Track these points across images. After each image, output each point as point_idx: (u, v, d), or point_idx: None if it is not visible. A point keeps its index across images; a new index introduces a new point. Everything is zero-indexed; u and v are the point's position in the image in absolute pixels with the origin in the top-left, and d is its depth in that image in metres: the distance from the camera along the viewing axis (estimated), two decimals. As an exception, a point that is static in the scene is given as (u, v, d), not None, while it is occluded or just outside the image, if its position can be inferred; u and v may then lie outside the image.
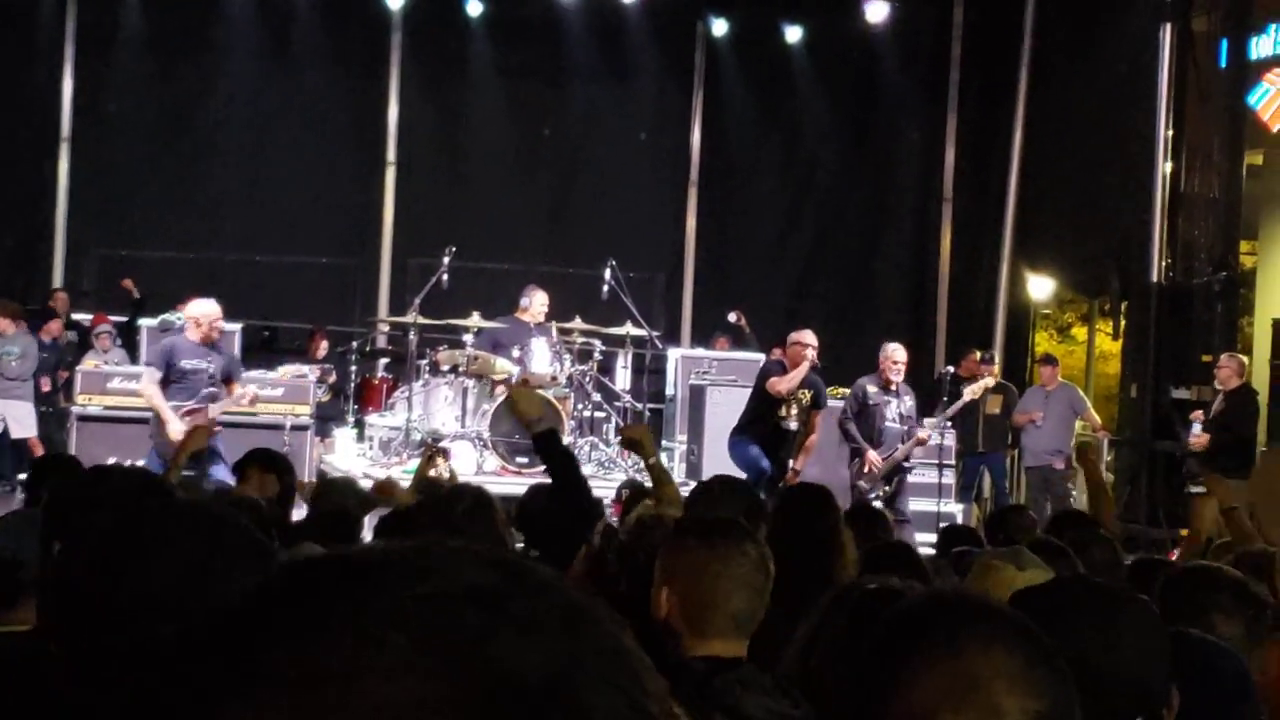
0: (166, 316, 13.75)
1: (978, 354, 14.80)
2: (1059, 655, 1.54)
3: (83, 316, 15.57)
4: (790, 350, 11.78)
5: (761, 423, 11.49)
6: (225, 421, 10.60)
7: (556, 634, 0.81)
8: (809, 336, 11.73)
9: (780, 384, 11.55)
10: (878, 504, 11.05)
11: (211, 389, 10.39)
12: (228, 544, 1.60)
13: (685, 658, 2.92)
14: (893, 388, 11.88)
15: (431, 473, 7.89)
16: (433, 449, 9.15)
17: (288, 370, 11.79)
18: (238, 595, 0.84)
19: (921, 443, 12.09)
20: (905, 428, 11.83)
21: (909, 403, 11.95)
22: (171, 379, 10.34)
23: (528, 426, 5.49)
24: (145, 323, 14.27)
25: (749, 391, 12.17)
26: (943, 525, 10.11)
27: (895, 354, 11.97)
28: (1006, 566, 3.35)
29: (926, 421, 12.47)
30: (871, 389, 11.87)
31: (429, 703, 0.77)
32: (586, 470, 12.21)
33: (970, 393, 12.87)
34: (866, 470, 11.71)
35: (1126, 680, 2.18)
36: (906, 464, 11.90)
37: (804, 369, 11.58)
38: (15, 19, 16.78)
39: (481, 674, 0.79)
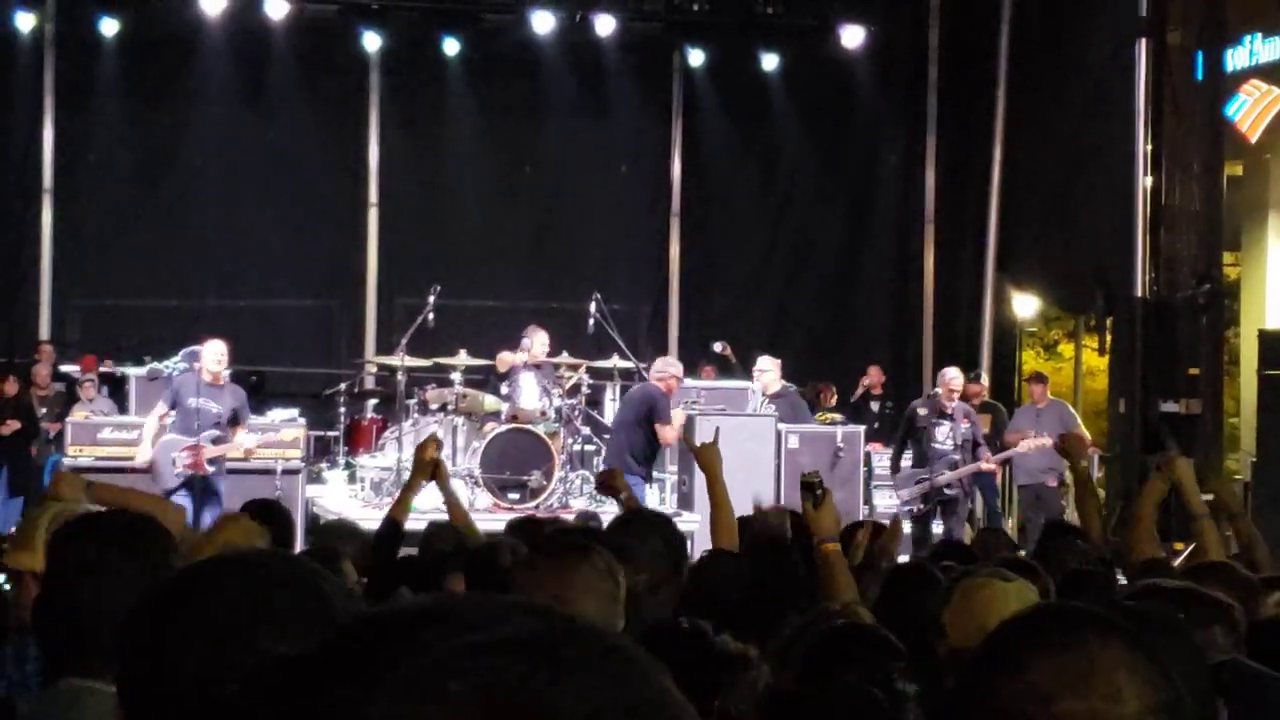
0: (155, 365, 13.74)
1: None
2: (1167, 662, 1.62)
3: (70, 368, 15.49)
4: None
5: None
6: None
7: (599, 678, 0.84)
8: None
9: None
10: (908, 524, 11.16)
11: (214, 430, 10.65)
12: (277, 596, 1.57)
13: None
14: (947, 411, 12.10)
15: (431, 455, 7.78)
16: (432, 438, 9.15)
17: (288, 432, 11.91)
18: (299, 651, 0.86)
19: (987, 469, 12.44)
20: (959, 455, 11.99)
21: (964, 428, 12.08)
22: (177, 416, 10.83)
23: None
24: (133, 371, 14.22)
25: (739, 420, 12.21)
26: (933, 544, 10.13)
27: (952, 382, 12.36)
28: (992, 583, 3.34)
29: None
30: (921, 411, 12.22)
31: None
32: (578, 504, 12.31)
33: (1025, 447, 12.95)
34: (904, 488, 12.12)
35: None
36: (949, 490, 12.03)
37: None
38: (-8, 71, 16.79)
39: (528, 716, 0.81)
